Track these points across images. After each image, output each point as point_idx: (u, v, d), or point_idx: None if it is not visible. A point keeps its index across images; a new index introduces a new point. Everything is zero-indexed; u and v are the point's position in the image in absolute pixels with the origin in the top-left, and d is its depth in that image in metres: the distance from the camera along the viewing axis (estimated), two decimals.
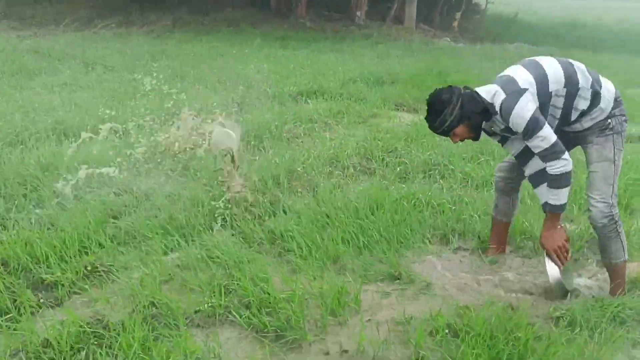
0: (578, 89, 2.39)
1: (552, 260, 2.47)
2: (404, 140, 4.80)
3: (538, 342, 2.18)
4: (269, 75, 7.22)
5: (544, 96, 2.38)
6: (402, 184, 3.85)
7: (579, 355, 2.11)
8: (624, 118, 2.49)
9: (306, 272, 2.67)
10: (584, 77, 2.41)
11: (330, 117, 5.56)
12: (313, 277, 2.63)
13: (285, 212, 3.31)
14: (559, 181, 2.33)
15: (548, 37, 15.23)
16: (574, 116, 2.45)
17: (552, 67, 2.41)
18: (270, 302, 2.37)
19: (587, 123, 2.46)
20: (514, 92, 2.31)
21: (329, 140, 4.76)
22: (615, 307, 2.40)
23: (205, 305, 2.38)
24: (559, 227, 2.47)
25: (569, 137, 2.52)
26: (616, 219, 2.46)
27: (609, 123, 2.45)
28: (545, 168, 2.38)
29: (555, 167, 2.31)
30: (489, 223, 3.04)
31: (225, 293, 2.45)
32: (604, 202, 2.42)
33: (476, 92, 2.43)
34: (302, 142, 4.80)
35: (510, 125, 2.36)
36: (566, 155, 2.33)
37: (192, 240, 2.96)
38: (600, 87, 2.44)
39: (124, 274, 2.64)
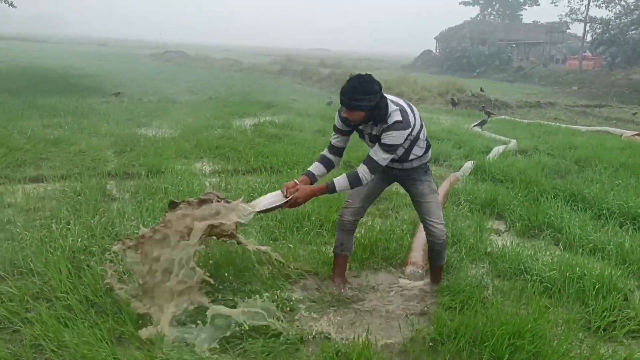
0: (418, 139, 3.01)
1: (278, 207, 2.95)
2: None
3: None
4: None
5: (407, 138, 2.92)
6: None
7: None
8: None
9: None
10: (424, 129, 3.03)
11: None
12: None
13: None
14: (354, 182, 2.93)
15: None
16: (410, 157, 3.05)
17: (419, 116, 2.98)
18: None
19: (416, 163, 3.10)
20: (406, 123, 2.87)
21: None
22: None
23: None
24: (312, 196, 3.00)
25: (394, 173, 3.16)
26: (447, 234, 3.23)
27: (428, 166, 3.20)
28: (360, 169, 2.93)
29: (363, 174, 2.91)
30: None
31: None
32: (442, 224, 3.16)
33: (388, 100, 2.88)
34: None
35: (383, 134, 2.88)
36: (372, 176, 2.94)
37: None
38: (427, 138, 3.08)
39: None
